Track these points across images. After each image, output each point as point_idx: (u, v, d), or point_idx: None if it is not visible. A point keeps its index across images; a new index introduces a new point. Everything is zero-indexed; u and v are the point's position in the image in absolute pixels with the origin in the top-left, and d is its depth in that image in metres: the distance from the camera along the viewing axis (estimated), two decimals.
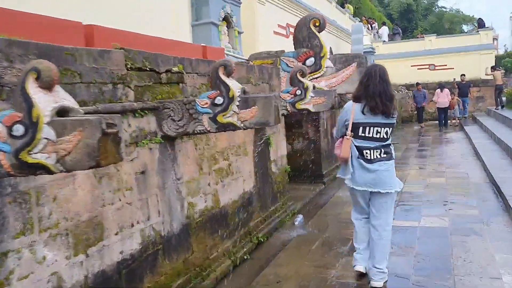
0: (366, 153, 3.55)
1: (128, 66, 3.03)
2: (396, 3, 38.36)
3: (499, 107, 16.29)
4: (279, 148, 5.95)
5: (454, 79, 18.99)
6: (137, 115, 3.08)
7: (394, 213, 3.87)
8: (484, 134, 12.79)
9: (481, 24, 22.67)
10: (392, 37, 28.06)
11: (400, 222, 5.28)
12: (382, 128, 3.55)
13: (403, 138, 14.61)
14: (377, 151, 3.55)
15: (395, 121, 3.65)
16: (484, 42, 20.79)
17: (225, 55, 6.99)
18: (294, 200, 6.57)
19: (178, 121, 3.29)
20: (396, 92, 16.86)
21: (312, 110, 4.86)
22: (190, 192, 3.74)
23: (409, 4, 38.07)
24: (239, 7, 7.79)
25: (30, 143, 1.59)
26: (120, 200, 2.89)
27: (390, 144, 3.67)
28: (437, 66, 21.31)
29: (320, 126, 8.04)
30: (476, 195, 6.43)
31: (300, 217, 5.85)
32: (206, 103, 3.20)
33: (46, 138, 1.55)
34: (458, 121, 16.98)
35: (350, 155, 3.60)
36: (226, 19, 7.42)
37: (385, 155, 3.57)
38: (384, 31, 25.75)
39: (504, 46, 51.15)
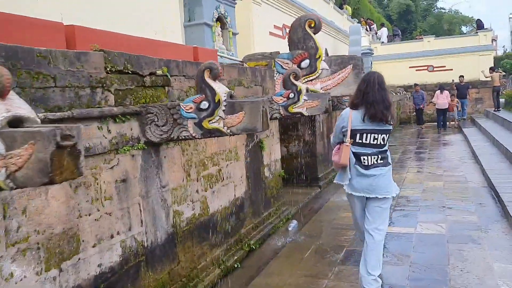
0: (364, 159, 3.54)
1: (108, 69, 2.88)
2: (395, 4, 38.24)
3: (498, 109, 16.16)
4: (273, 152, 5.81)
5: (453, 80, 18.86)
6: (117, 120, 2.93)
7: (390, 218, 3.82)
8: (482, 136, 12.66)
9: (479, 25, 22.54)
10: (392, 38, 27.96)
11: (395, 229, 5.14)
12: (379, 135, 3.55)
13: (401, 140, 14.49)
14: (374, 157, 3.55)
15: (391, 128, 3.65)
16: (483, 43, 20.67)
17: (218, 56, 6.86)
18: (289, 204, 6.43)
19: (162, 126, 3.14)
20: (394, 93, 16.73)
21: (306, 114, 4.73)
22: (177, 200, 3.60)
23: (408, 5, 37.96)
24: (234, 7, 7.63)
25: None
26: (98, 210, 2.75)
27: (387, 150, 3.66)
28: (435, 67, 21.18)
29: (316, 129, 7.90)
30: (474, 200, 6.29)
31: (294, 223, 5.71)
32: (191, 108, 3.06)
33: None
34: (457, 123, 16.84)
35: (348, 161, 3.58)
36: (220, 20, 7.26)
37: (381, 161, 3.56)
38: (384, 32, 25.64)
39: (503, 47, 51.13)
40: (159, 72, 3.30)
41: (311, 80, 6.58)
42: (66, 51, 2.60)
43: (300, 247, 4.85)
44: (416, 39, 25.42)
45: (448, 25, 40.98)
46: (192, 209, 3.83)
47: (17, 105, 1.41)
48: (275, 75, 6.30)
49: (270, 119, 4.94)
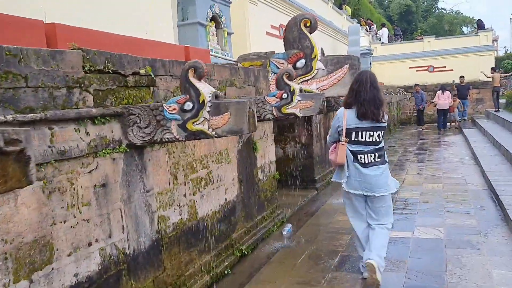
0: (361, 157, 3.65)
1: (87, 68, 2.74)
2: (396, 5, 38.09)
3: (499, 110, 16.01)
4: (267, 154, 5.67)
5: (453, 81, 18.70)
6: (97, 122, 2.80)
7: (389, 232, 3.92)
8: (483, 137, 12.50)
9: (480, 25, 22.39)
10: (393, 38, 27.81)
11: (392, 233, 4.97)
12: (374, 132, 3.65)
13: (401, 141, 14.34)
14: (371, 155, 3.65)
15: (386, 124, 3.75)
16: (484, 43, 20.51)
17: (212, 56, 6.72)
18: (284, 207, 6.29)
19: (145, 128, 3.01)
20: (394, 94, 16.58)
21: (299, 115, 4.59)
22: (162, 205, 3.46)
23: (408, 5, 37.82)
24: (229, 7, 7.50)
25: None
26: (74, 217, 2.61)
27: (383, 147, 3.76)
28: (436, 67, 21.03)
29: (312, 130, 7.76)
30: (473, 202, 6.14)
31: (288, 227, 5.55)
32: (175, 109, 2.93)
33: None
34: (457, 123, 16.66)
35: (346, 160, 3.69)
36: (215, 19, 7.13)
37: (379, 159, 3.67)
38: (384, 32, 25.48)
39: (504, 47, 50.91)
40: (142, 71, 3.15)
41: (307, 80, 6.45)
42: (39, 49, 2.46)
43: (293, 252, 4.70)
44: (417, 39, 25.26)
45: (449, 26, 40.85)
46: (179, 214, 3.69)
47: None
48: (270, 75, 6.19)
49: (263, 120, 4.83)
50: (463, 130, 14.86)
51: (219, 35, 7.27)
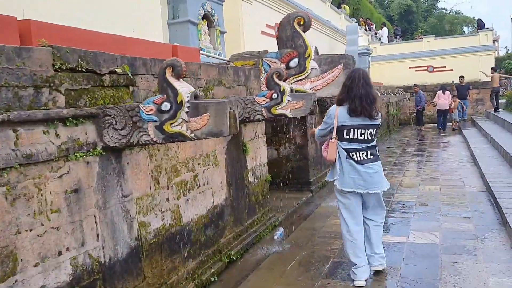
0: (353, 155, 3.66)
1: (57, 67, 2.59)
2: (396, 5, 37.92)
3: (498, 110, 15.84)
4: (258, 156, 5.51)
5: (453, 81, 18.54)
6: (68, 123, 2.64)
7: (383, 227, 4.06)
8: (482, 138, 12.34)
9: (480, 25, 22.23)
10: (393, 38, 27.66)
11: (386, 238, 4.83)
12: (366, 130, 3.65)
13: (400, 141, 14.19)
14: (363, 153, 3.66)
15: (379, 122, 3.74)
16: (484, 43, 20.36)
17: (204, 55, 6.57)
18: (277, 211, 6.13)
19: (121, 130, 2.85)
20: (392, 94, 16.43)
21: (289, 115, 4.43)
22: (142, 210, 3.30)
23: (409, 5, 37.64)
24: (222, 5, 7.36)
25: None
26: (42, 224, 2.45)
27: (375, 145, 3.76)
28: (435, 67, 20.89)
29: (307, 131, 7.59)
30: (471, 206, 5.98)
31: (280, 231, 5.40)
32: (152, 110, 2.77)
33: None
34: (456, 124, 16.48)
35: (339, 157, 3.71)
36: (207, 18, 6.99)
37: (371, 157, 3.68)
38: (384, 32, 25.31)
39: (505, 47, 50.74)
40: (118, 70, 3.00)
41: (300, 80, 6.29)
42: (3, 46, 2.30)
43: (283, 258, 4.55)
44: (416, 39, 25.10)
45: (450, 26, 40.67)
46: (162, 220, 3.53)
47: None
48: (262, 74, 6.02)
49: (253, 121, 4.68)
50: (463, 130, 14.70)
51: (211, 34, 7.13)
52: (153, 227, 3.42)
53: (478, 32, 21.44)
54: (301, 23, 6.25)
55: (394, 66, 21.58)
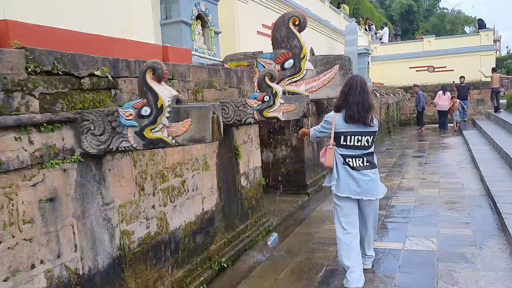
0: (349, 161, 3.67)
1: (31, 69, 2.46)
2: (397, 4, 37.72)
3: (499, 111, 15.69)
4: (252, 159, 5.38)
5: (454, 81, 18.37)
6: (43, 129, 2.51)
7: (377, 231, 4.22)
8: (483, 139, 12.18)
9: (481, 24, 22.06)
10: (393, 38, 27.51)
11: (382, 244, 4.71)
12: (363, 137, 3.65)
13: (399, 142, 14.05)
14: (359, 160, 3.66)
15: (376, 129, 3.73)
16: (485, 43, 20.18)
17: (196, 56, 6.44)
18: (271, 215, 6.00)
19: (100, 135, 2.72)
20: (392, 95, 16.29)
21: (282, 118, 4.29)
22: (125, 218, 3.17)
23: (410, 5, 37.43)
24: (216, 5, 7.22)
25: None
26: (13, 236, 2.32)
27: (372, 153, 3.76)
28: (436, 67, 20.72)
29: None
30: (470, 210, 5.84)
31: (274, 236, 5.28)
32: (131, 115, 2.64)
33: None
34: (457, 125, 16.30)
35: (335, 163, 3.72)
36: (201, 18, 6.86)
37: (367, 164, 3.68)
38: (385, 32, 25.15)
39: (507, 47, 50.54)
40: (97, 73, 2.87)
41: (296, 81, 6.17)
42: None
43: (276, 266, 4.42)
44: (417, 39, 24.93)
45: (451, 26, 40.46)
46: (147, 228, 3.40)
47: None
48: (256, 76, 5.89)
49: (244, 124, 4.55)
50: (463, 131, 14.55)
51: (205, 34, 7.00)
52: (137, 235, 3.29)
53: (479, 32, 21.26)
54: (297, 23, 6.12)
55: (395, 66, 21.43)
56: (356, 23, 18.79)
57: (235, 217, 4.86)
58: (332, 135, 3.72)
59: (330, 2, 16.18)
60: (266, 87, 4.27)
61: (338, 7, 18.67)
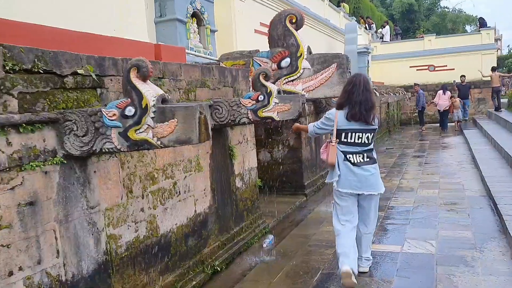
0: (350, 157, 3.72)
1: (9, 68, 2.35)
2: (398, 3, 37.56)
3: (500, 110, 15.56)
4: (247, 160, 5.27)
5: (454, 81, 18.24)
6: (22, 130, 2.41)
7: (374, 234, 4.15)
8: (484, 139, 12.06)
9: (482, 23, 21.91)
10: (393, 38, 27.37)
11: (379, 247, 4.60)
12: (364, 134, 3.72)
13: (399, 142, 13.93)
14: (359, 156, 3.72)
15: (376, 127, 3.80)
16: (486, 41, 20.04)
17: (192, 55, 6.34)
18: (268, 216, 5.90)
19: (83, 136, 2.62)
20: (392, 94, 16.17)
21: (277, 118, 4.17)
22: (112, 222, 3.06)
23: (411, 4, 37.28)
24: (212, 3, 7.11)
25: None
26: None
27: (372, 149, 3.83)
28: (437, 66, 20.60)
29: (301, 133, 7.34)
30: (470, 211, 5.72)
31: (270, 238, 5.16)
32: (115, 115, 2.54)
33: None
34: (458, 124, 16.16)
35: (337, 159, 3.74)
36: (196, 16, 6.75)
37: (368, 159, 3.74)
38: (387, 30, 24.98)
39: (508, 46, 50.38)
40: (80, 71, 2.76)
41: (292, 80, 6.07)
42: None
43: (271, 269, 4.31)
44: (417, 38, 24.79)
45: (452, 24, 40.29)
46: (135, 231, 3.29)
47: None
48: (252, 75, 5.78)
49: (238, 124, 4.43)
50: (464, 131, 14.42)
51: (201, 32, 6.90)
52: (125, 239, 3.18)
53: (480, 31, 21.11)
54: (293, 21, 6.03)
55: (395, 65, 21.30)
56: (356, 22, 18.64)
57: (229, 219, 4.75)
58: (334, 132, 3.77)
59: (329, 1, 16.05)
60: (260, 86, 4.16)
61: (338, 6, 18.54)
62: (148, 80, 2.58)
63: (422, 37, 22.78)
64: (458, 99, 16.04)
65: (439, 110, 16.03)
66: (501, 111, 15.44)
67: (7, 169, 2.33)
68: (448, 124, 16.25)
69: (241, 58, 6.39)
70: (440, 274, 3.86)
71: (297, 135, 7.32)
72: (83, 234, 2.80)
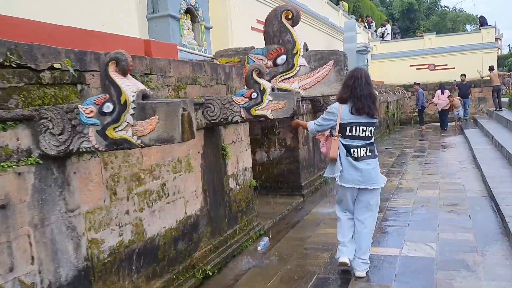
0: (354, 151, 3.73)
1: None
2: (398, 2, 37.37)
3: (501, 109, 15.38)
4: (241, 160, 5.10)
5: (455, 80, 18.06)
6: None
7: (373, 236, 4.06)
8: (485, 138, 11.88)
9: (482, 21, 21.73)
10: (393, 37, 27.19)
11: (377, 249, 4.43)
12: (367, 127, 3.76)
13: (399, 141, 13.76)
14: (363, 149, 3.74)
15: (376, 120, 3.85)
16: (486, 40, 19.84)
17: (184, 52, 6.17)
18: (263, 218, 5.72)
19: (59, 135, 2.45)
20: (391, 93, 16.00)
21: (270, 117, 4.01)
22: (93, 226, 2.90)
23: (411, 3, 37.08)
24: None
25: None
26: None
27: (373, 143, 3.87)
28: (437, 66, 20.39)
29: (299, 132, 7.18)
30: (471, 213, 5.56)
31: (265, 241, 5.00)
32: (92, 112, 2.37)
33: None
34: (459, 124, 15.98)
35: (338, 154, 3.75)
36: (190, 12, 6.58)
37: (370, 153, 3.78)
38: (388, 28, 24.78)
39: (508, 46, 50.19)
40: (57, 65, 2.59)
41: (288, 78, 5.88)
42: None
43: (264, 273, 4.14)
44: (417, 37, 24.61)
45: (452, 24, 40.10)
46: (119, 235, 3.13)
47: None
48: None
49: (231, 123, 4.27)
50: (464, 130, 14.24)
51: (195, 29, 6.72)
52: (108, 244, 3.02)
53: (480, 29, 20.93)
54: (290, 17, 5.84)
55: (395, 64, 21.11)
56: (355, 20, 18.46)
57: (222, 221, 4.59)
58: (337, 126, 3.76)
59: None
60: (253, 83, 4.00)
61: (337, 4, 18.37)
62: (128, 75, 2.41)
63: (422, 36, 22.59)
64: (457, 98, 15.86)
65: (438, 110, 15.86)
66: (502, 110, 15.26)
67: None
68: (449, 123, 16.08)
69: (236, 55, 6.22)
70: (440, 279, 3.69)
71: (294, 135, 7.16)
72: (61, 239, 2.64)
